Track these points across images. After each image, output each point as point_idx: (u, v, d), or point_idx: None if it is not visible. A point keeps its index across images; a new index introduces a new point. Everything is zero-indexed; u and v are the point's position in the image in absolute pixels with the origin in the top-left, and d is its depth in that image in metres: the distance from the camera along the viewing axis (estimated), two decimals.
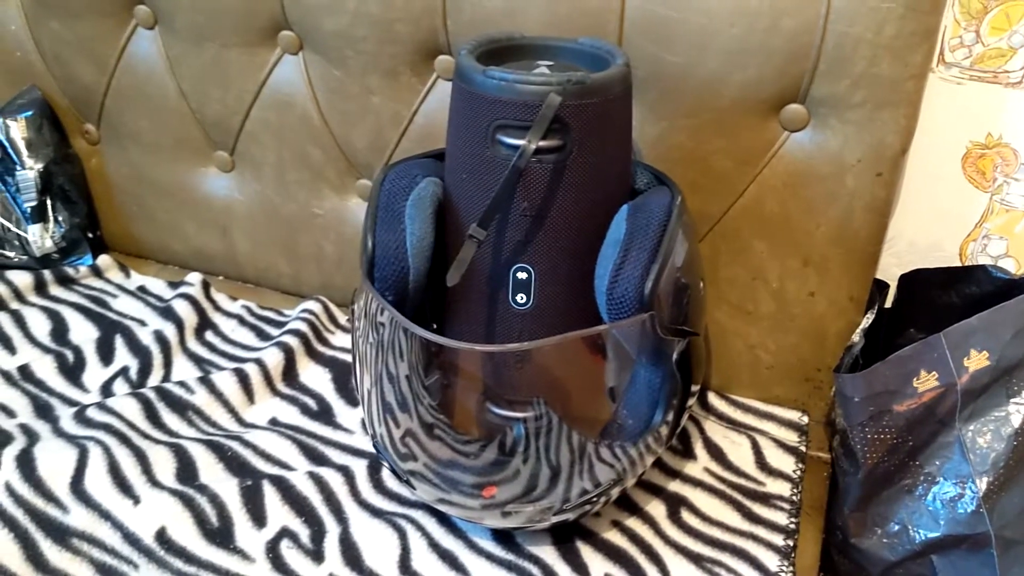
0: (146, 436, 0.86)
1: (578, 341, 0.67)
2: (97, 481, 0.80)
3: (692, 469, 0.87)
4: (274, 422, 0.92)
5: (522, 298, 0.72)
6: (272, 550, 0.76)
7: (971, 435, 0.76)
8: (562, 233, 0.70)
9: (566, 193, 0.69)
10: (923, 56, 0.77)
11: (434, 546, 0.77)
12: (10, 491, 0.78)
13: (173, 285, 1.13)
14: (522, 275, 0.71)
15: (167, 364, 0.98)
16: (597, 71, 0.69)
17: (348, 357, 1.00)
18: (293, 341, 1.00)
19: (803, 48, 0.79)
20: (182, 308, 1.05)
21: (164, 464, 0.83)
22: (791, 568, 0.77)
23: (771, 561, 0.77)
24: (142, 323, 1.05)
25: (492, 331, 0.75)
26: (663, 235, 0.67)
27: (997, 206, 0.94)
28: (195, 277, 1.12)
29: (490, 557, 0.76)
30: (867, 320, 0.88)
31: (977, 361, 0.75)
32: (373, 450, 0.86)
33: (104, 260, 1.17)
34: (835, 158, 0.83)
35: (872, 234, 0.85)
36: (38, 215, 1.13)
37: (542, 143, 0.65)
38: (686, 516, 0.82)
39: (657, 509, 0.82)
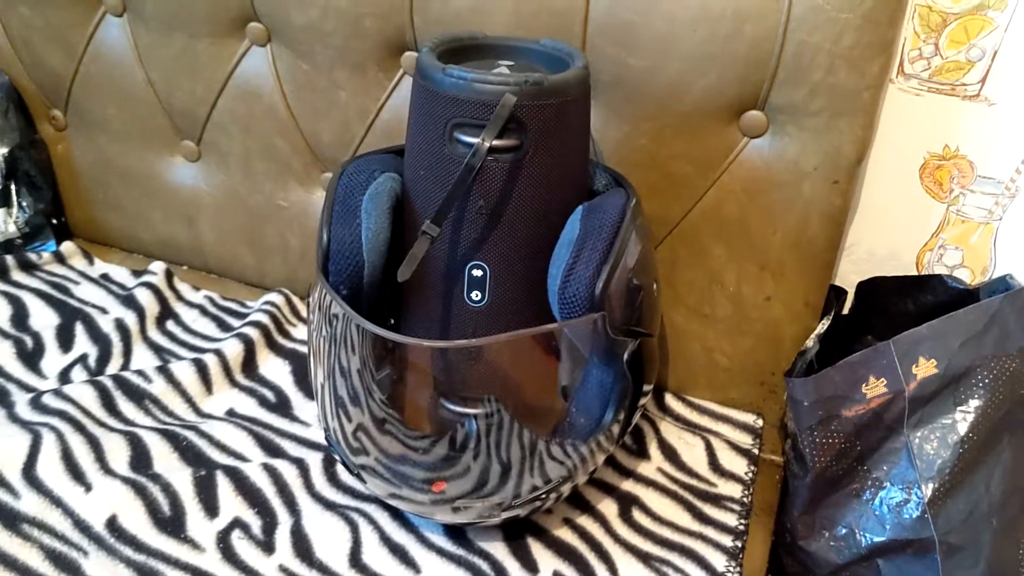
0: (101, 424, 0.86)
1: (529, 339, 0.68)
2: (49, 467, 0.79)
3: (645, 469, 0.88)
4: (231, 413, 0.92)
5: (477, 295, 0.73)
6: (223, 540, 0.76)
7: (918, 442, 0.77)
8: (517, 232, 0.71)
9: (522, 192, 0.69)
10: (880, 67, 0.78)
11: (385, 540, 0.77)
12: None
13: (136, 274, 1.13)
14: (477, 272, 0.72)
15: (127, 352, 0.98)
16: (557, 72, 0.69)
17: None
18: (254, 333, 1.00)
19: (763, 55, 0.80)
20: (144, 297, 1.05)
21: (118, 452, 0.83)
22: (738, 569, 0.78)
23: (719, 562, 0.78)
24: (103, 311, 1.05)
25: (447, 328, 0.75)
26: (616, 236, 0.68)
27: (953, 217, 0.95)
28: (159, 266, 1.12)
29: (441, 552, 0.77)
30: (823, 326, 0.89)
31: (925, 369, 0.76)
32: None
33: (67, 247, 1.17)
34: (793, 165, 0.84)
35: (828, 241, 0.87)
36: (2, 200, 1.13)
37: (498, 142, 0.66)
38: (637, 515, 0.83)
39: (609, 508, 0.83)
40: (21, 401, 0.88)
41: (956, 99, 0.89)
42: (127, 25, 1.06)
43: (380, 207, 0.72)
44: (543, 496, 0.74)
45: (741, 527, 0.82)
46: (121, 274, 1.14)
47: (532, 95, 0.66)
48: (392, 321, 0.82)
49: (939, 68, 0.88)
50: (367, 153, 0.80)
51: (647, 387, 0.78)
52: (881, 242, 0.99)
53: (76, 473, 0.80)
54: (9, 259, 1.11)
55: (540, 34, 0.80)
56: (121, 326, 1.00)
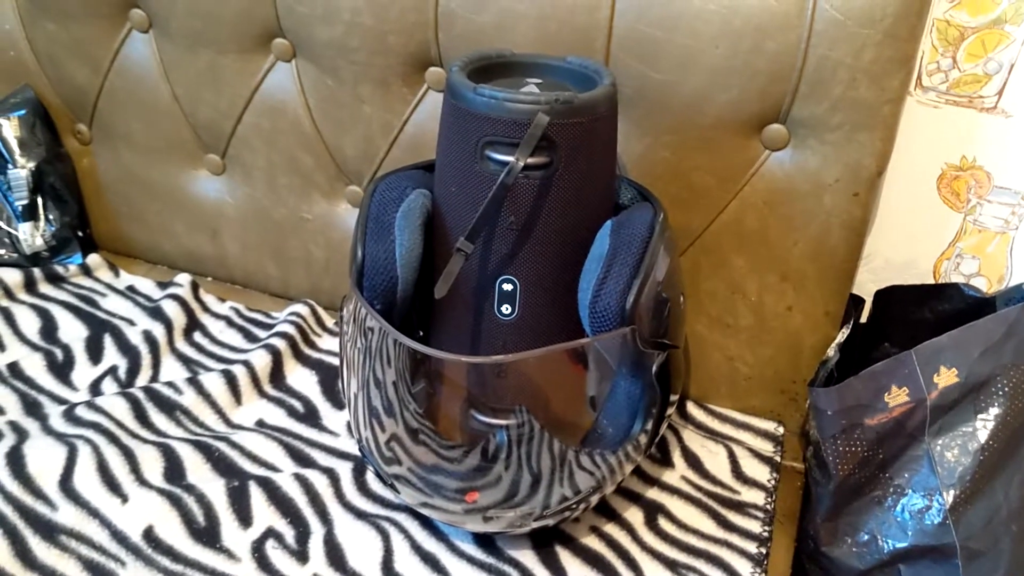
0: (134, 435, 0.88)
1: (560, 353, 0.69)
2: (86, 479, 0.81)
3: (670, 477, 0.89)
4: (261, 424, 0.93)
5: (507, 309, 0.74)
6: (258, 550, 0.77)
7: (939, 449, 0.78)
8: (547, 247, 0.72)
9: (551, 208, 0.71)
10: (900, 81, 0.79)
11: (416, 548, 0.79)
12: None
13: (162, 285, 1.14)
14: (507, 287, 0.73)
15: (155, 364, 0.99)
16: (584, 90, 0.71)
17: (335, 360, 1.02)
18: (280, 343, 1.01)
19: (785, 70, 0.81)
20: (171, 308, 1.06)
21: (152, 463, 0.84)
22: (763, 575, 0.80)
23: (744, 568, 0.80)
24: (131, 323, 1.06)
25: (477, 341, 0.76)
26: (645, 251, 0.69)
27: (970, 226, 0.97)
28: (184, 278, 1.13)
29: (471, 560, 0.78)
30: (842, 335, 0.90)
31: (946, 378, 0.78)
32: (358, 453, 0.88)
33: (94, 259, 1.18)
34: (813, 177, 0.85)
35: (848, 251, 0.88)
36: (29, 213, 1.14)
37: (529, 160, 0.67)
38: (663, 523, 0.84)
39: (635, 516, 0.84)
40: (54, 413, 0.89)
41: (973, 111, 0.91)
42: (153, 41, 1.07)
43: (412, 224, 0.74)
44: (573, 506, 0.75)
45: (765, 534, 0.84)
46: (147, 286, 1.15)
47: (562, 113, 0.67)
48: (421, 333, 0.83)
49: (957, 81, 0.90)
50: (398, 169, 0.82)
51: (673, 397, 0.80)
52: (899, 251, 1.00)
53: (112, 484, 0.81)
54: (37, 272, 1.12)
55: (563, 50, 0.81)
56: (149, 338, 1.01)
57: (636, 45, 0.86)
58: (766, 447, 0.95)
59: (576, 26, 0.87)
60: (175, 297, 1.09)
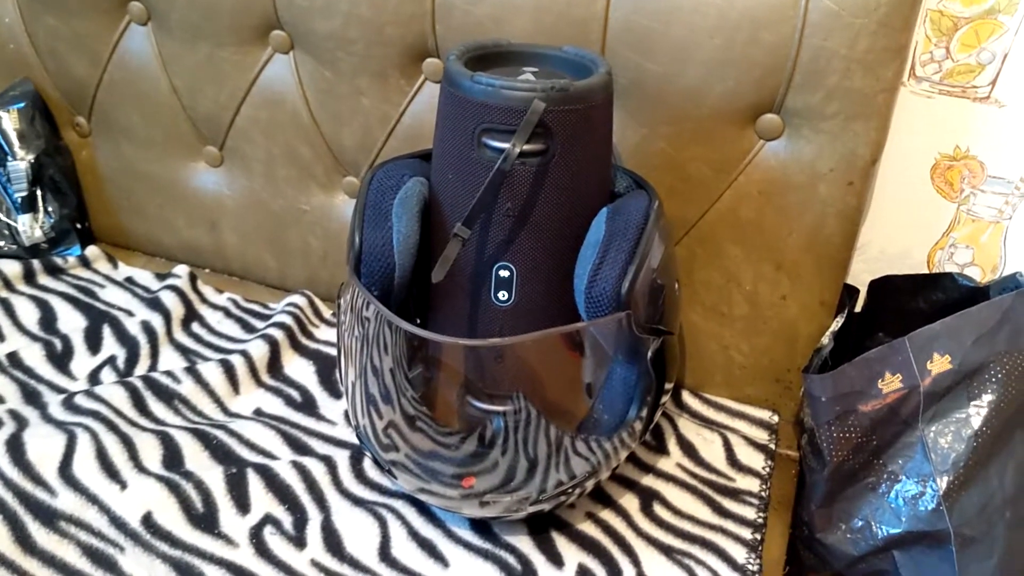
0: (133, 423, 0.88)
1: (556, 337, 0.70)
2: (85, 466, 0.81)
3: (665, 464, 0.90)
4: (259, 412, 0.93)
5: (504, 295, 0.75)
6: (256, 536, 0.78)
7: (933, 436, 0.79)
8: (543, 233, 0.73)
9: (548, 195, 0.71)
10: (894, 71, 0.80)
11: (413, 534, 0.79)
12: None
13: (160, 277, 1.15)
14: (504, 273, 0.74)
15: (154, 354, 1.00)
16: (580, 78, 0.71)
17: (332, 350, 1.03)
18: (278, 334, 1.02)
19: (780, 61, 0.82)
20: (169, 299, 1.07)
21: (150, 451, 0.84)
22: (758, 561, 0.80)
23: (739, 554, 0.80)
24: (129, 313, 1.07)
25: (474, 327, 0.77)
26: (640, 237, 0.69)
27: (964, 216, 0.97)
28: (182, 269, 1.14)
29: (468, 546, 0.79)
30: (837, 323, 0.91)
31: (940, 365, 0.78)
32: (355, 441, 0.89)
33: (92, 251, 1.19)
34: (808, 167, 0.86)
35: (843, 241, 0.88)
36: (28, 205, 1.15)
37: (526, 147, 0.68)
38: (658, 509, 0.85)
39: (630, 502, 0.85)
40: (54, 402, 0.90)
41: (967, 101, 0.91)
42: (152, 34, 1.08)
43: (410, 211, 0.74)
44: (568, 491, 0.76)
45: (760, 520, 0.84)
46: (145, 277, 1.16)
47: (559, 101, 0.68)
48: (418, 321, 0.83)
49: (950, 71, 0.91)
50: (395, 158, 0.82)
51: (668, 384, 0.80)
52: (893, 241, 1.01)
53: (111, 471, 0.81)
54: (36, 263, 1.13)
55: (560, 41, 0.82)
56: (148, 328, 1.02)
57: (632, 37, 0.86)
58: (761, 435, 0.95)
59: (572, 18, 0.88)
60: (173, 288, 1.09)
